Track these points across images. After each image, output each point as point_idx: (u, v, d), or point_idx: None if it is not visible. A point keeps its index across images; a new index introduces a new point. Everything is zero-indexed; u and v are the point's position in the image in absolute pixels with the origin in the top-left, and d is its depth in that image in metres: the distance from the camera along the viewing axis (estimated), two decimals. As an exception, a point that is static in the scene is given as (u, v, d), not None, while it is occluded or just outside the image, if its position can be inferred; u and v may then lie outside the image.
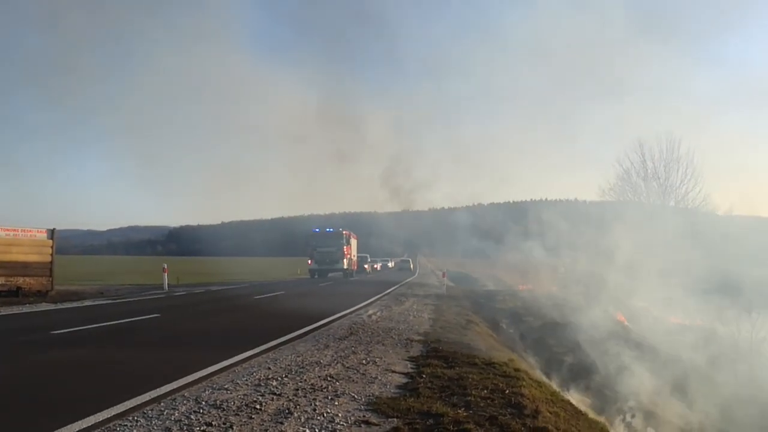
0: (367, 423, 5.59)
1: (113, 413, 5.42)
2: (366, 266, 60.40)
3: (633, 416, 12.31)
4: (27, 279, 20.28)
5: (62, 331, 11.43)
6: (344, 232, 42.61)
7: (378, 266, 64.96)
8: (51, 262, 21.04)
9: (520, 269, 38.24)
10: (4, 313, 14.97)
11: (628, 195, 36.02)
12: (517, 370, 9.14)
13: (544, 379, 10.66)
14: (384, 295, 23.64)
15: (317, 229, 44.08)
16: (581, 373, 13.35)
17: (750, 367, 17.75)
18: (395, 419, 5.77)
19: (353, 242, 45.77)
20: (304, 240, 44.58)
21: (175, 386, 6.60)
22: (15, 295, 19.61)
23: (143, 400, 5.93)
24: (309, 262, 42.51)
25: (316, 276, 41.73)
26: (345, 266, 42.16)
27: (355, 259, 47.79)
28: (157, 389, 6.38)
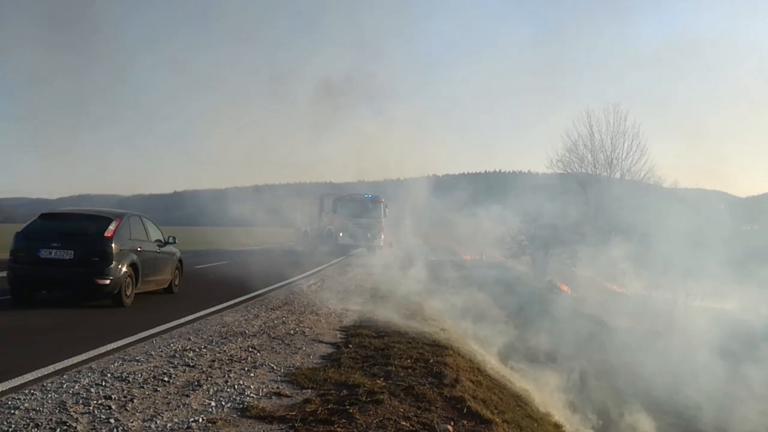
0: (279, 395, 5.45)
1: None
2: None
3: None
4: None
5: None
6: (382, 201, 34.23)
7: None
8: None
9: (471, 240, 38.62)
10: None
11: (575, 166, 36.59)
12: (447, 339, 9.15)
13: (477, 348, 10.73)
14: (330, 265, 23.52)
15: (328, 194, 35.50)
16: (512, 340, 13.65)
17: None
18: (309, 390, 5.65)
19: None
20: (328, 206, 34.95)
21: (83, 358, 6.36)
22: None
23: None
24: (340, 234, 33.27)
25: (351, 252, 33.49)
26: (382, 243, 33.37)
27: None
28: (61, 362, 6.13)
